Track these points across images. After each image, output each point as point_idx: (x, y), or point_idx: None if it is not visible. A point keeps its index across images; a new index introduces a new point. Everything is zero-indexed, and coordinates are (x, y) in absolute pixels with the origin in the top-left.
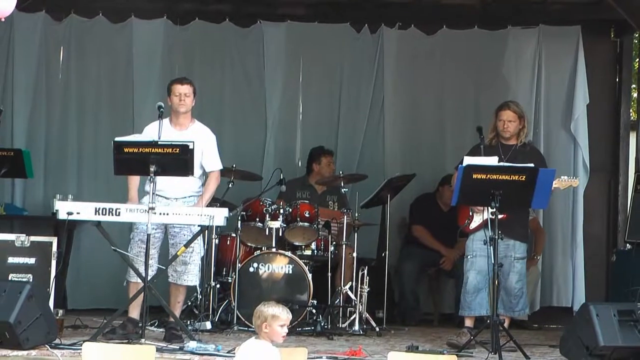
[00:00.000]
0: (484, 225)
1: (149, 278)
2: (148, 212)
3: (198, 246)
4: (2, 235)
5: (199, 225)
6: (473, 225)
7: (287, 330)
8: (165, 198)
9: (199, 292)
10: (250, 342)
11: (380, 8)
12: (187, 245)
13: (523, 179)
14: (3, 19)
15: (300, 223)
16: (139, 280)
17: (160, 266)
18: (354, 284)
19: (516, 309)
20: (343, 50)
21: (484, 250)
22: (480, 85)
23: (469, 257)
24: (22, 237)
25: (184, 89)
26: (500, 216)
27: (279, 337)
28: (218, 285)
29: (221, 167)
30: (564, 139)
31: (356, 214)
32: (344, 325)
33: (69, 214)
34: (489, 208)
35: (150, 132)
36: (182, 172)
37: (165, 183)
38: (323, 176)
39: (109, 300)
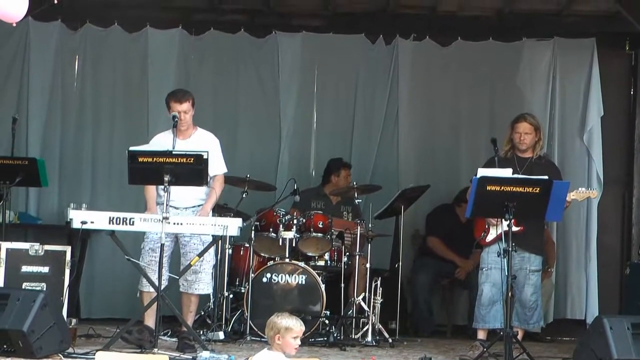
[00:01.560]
0: (499, 238)
1: (161, 287)
2: (162, 221)
3: (209, 255)
4: (17, 244)
5: (212, 235)
6: (489, 238)
7: (300, 342)
8: (175, 208)
9: (212, 300)
10: (263, 354)
11: (395, 19)
12: (200, 255)
13: (537, 191)
14: (14, 24)
15: (314, 234)
16: (151, 290)
17: (172, 275)
18: (367, 295)
19: (531, 321)
20: (358, 61)
21: (499, 263)
22: (495, 96)
23: (484, 269)
24: (36, 245)
25: (182, 108)
26: (516, 229)
27: (292, 349)
28: (231, 295)
29: (225, 171)
30: (579, 151)
31: (370, 225)
32: (356, 336)
33: (83, 223)
34: (505, 221)
35: (157, 142)
36: (196, 181)
37: (174, 193)
38: (339, 188)
39: (122, 309)
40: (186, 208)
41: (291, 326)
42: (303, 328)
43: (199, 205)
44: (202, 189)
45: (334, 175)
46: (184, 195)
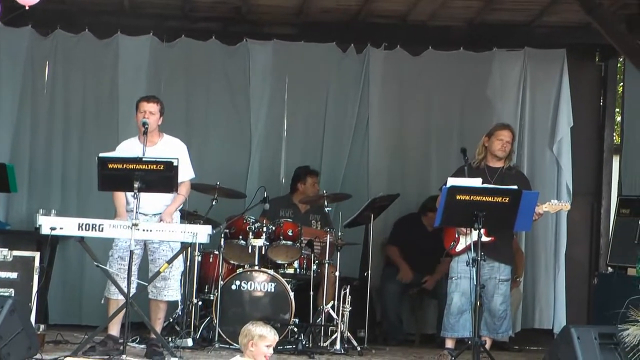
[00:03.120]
0: (469, 247)
1: (130, 294)
2: (132, 228)
3: (178, 261)
4: None
5: (180, 242)
6: (459, 247)
7: (272, 352)
8: (144, 214)
9: (180, 307)
10: None
11: (366, 28)
12: (170, 262)
13: (506, 200)
14: (27, 7)
15: (283, 241)
16: (119, 297)
17: (141, 282)
18: (336, 303)
19: (500, 330)
20: (329, 70)
21: (468, 272)
22: (465, 106)
23: (453, 278)
24: (5, 251)
25: (149, 107)
26: (487, 239)
27: (262, 358)
28: (200, 303)
29: (192, 176)
30: (548, 162)
31: (339, 233)
32: (325, 344)
33: (52, 229)
34: (475, 230)
35: (124, 149)
36: (166, 188)
37: (142, 200)
38: (307, 196)
39: (90, 316)
40: (154, 214)
41: (265, 334)
42: (277, 337)
43: None
44: (169, 195)
45: (300, 182)
46: (151, 201)
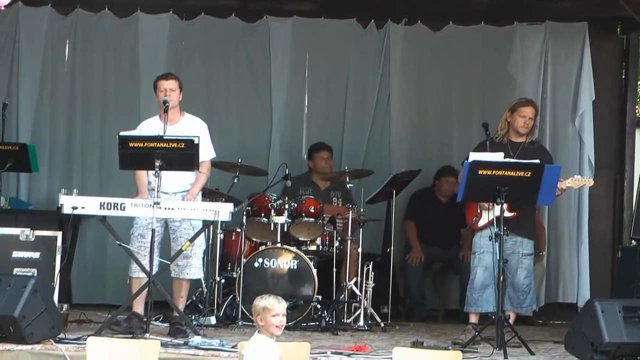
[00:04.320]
0: (492, 222)
1: (152, 273)
2: (153, 206)
3: (200, 239)
4: (7, 230)
5: (202, 220)
6: (482, 222)
7: (282, 321)
8: (165, 193)
9: (203, 285)
10: (253, 338)
11: (386, 4)
12: (192, 240)
13: (529, 175)
14: (3, 7)
15: (306, 218)
16: (141, 276)
17: (164, 261)
18: (359, 280)
19: (524, 305)
20: (349, 46)
21: (491, 247)
22: (486, 81)
23: (476, 253)
24: (27, 231)
25: (168, 84)
26: (510, 214)
27: (274, 329)
28: (223, 280)
29: (214, 156)
30: (570, 136)
31: (361, 210)
32: (348, 321)
33: (74, 208)
34: (497, 205)
35: (145, 128)
36: (187, 166)
37: (163, 178)
38: (320, 172)
39: (113, 295)
40: (175, 193)
41: (268, 305)
42: (284, 305)
43: (187, 190)
44: (190, 173)
45: (310, 160)
46: (173, 180)
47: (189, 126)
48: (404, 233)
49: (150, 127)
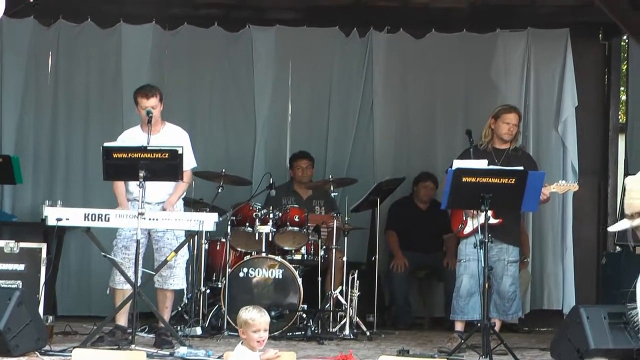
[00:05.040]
0: (477, 230)
1: (137, 284)
2: (137, 217)
3: (183, 250)
4: None
5: (185, 231)
6: (467, 230)
7: (263, 336)
8: (148, 203)
9: (186, 295)
10: (236, 349)
11: (369, 12)
12: (176, 251)
13: (513, 181)
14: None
15: (290, 227)
16: (125, 287)
17: (148, 271)
18: (344, 288)
19: (509, 312)
20: (332, 54)
21: (477, 254)
22: (469, 88)
23: (462, 261)
24: (12, 243)
25: (150, 102)
26: (495, 221)
27: (255, 343)
28: (208, 291)
29: (194, 165)
30: (553, 142)
31: (346, 218)
32: (334, 330)
33: (59, 220)
34: (484, 213)
35: (126, 139)
36: (171, 177)
37: (146, 188)
38: (299, 181)
39: (98, 306)
40: (158, 203)
41: (249, 320)
42: (265, 320)
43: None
44: (170, 183)
45: (291, 170)
46: (155, 190)
47: (171, 135)
48: (386, 243)
49: (132, 137)
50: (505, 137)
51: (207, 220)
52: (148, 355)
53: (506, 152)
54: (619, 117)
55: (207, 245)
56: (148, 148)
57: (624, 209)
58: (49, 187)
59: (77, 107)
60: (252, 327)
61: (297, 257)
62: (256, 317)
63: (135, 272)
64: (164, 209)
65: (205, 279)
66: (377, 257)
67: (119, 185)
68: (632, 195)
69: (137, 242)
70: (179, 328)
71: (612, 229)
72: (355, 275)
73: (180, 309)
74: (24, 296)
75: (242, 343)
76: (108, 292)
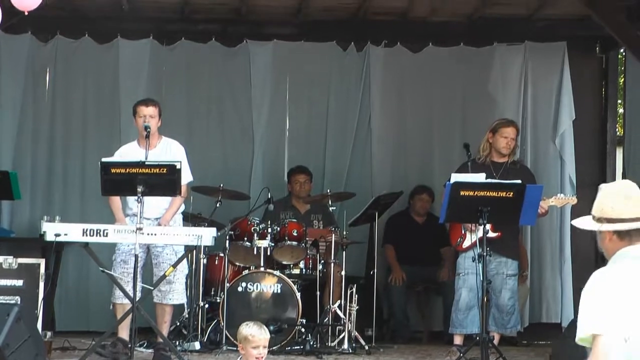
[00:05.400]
0: (476, 244)
1: (136, 299)
2: (136, 232)
3: (182, 264)
4: None
5: (185, 246)
6: (466, 244)
7: (262, 353)
8: (146, 218)
9: (186, 310)
10: None
11: (366, 26)
12: (175, 266)
13: (511, 195)
14: (27, 13)
15: (289, 242)
16: (125, 302)
17: (146, 286)
18: (342, 302)
19: (508, 325)
20: (330, 69)
21: (475, 268)
22: (467, 102)
23: (460, 274)
24: (10, 259)
25: (148, 111)
26: (494, 235)
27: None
28: (207, 305)
29: (190, 180)
30: (551, 156)
31: (344, 232)
32: (333, 344)
33: (57, 235)
34: (482, 226)
35: (123, 154)
36: (169, 192)
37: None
38: (297, 195)
39: (97, 321)
40: (156, 218)
41: (249, 336)
42: (265, 337)
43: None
44: (168, 198)
45: (288, 184)
46: (152, 205)
47: (167, 149)
48: (384, 257)
49: (128, 152)
50: (503, 151)
51: (206, 235)
52: None
53: (504, 166)
54: (617, 129)
55: (205, 260)
56: (146, 163)
57: (593, 210)
58: (47, 203)
59: (75, 123)
60: (251, 343)
61: (296, 271)
62: (256, 334)
63: (134, 287)
64: (159, 225)
65: (203, 294)
66: (375, 271)
67: (115, 200)
68: (604, 201)
69: (136, 257)
70: (177, 343)
71: (575, 223)
72: (354, 289)
73: (178, 323)
74: (23, 312)
75: (240, 358)
76: (111, 307)
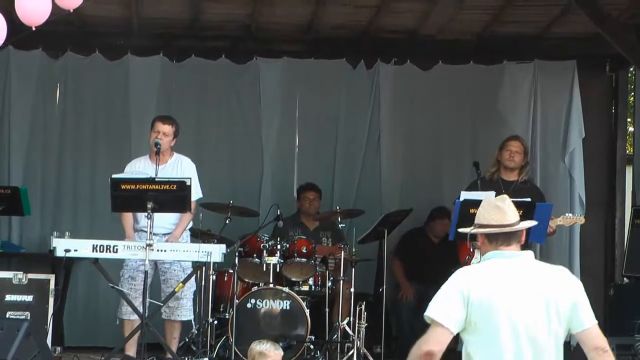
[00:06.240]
0: None
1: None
2: (146, 248)
3: (190, 281)
4: (0, 273)
5: (193, 262)
6: (474, 261)
7: None
8: (155, 234)
9: (194, 326)
10: None
11: (376, 44)
12: (184, 282)
13: (520, 213)
14: (34, 28)
15: (298, 259)
16: (133, 318)
17: (155, 302)
18: (351, 319)
19: None
20: (339, 86)
21: None
22: (476, 120)
23: None
24: (20, 274)
25: (164, 128)
26: None
27: None
28: (216, 322)
29: (200, 197)
30: (561, 174)
31: (353, 249)
32: None
33: (67, 251)
34: None
35: (133, 169)
36: (179, 208)
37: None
38: (306, 212)
39: (106, 337)
40: (164, 234)
41: (264, 351)
42: (279, 353)
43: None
44: (177, 214)
45: (297, 202)
46: (161, 221)
47: (178, 166)
48: (392, 272)
49: (138, 167)
50: (508, 164)
51: (215, 252)
52: None
53: (514, 184)
54: (626, 148)
55: (214, 277)
56: (156, 180)
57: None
58: (57, 218)
59: (85, 139)
60: (267, 358)
61: (305, 288)
62: (271, 349)
63: (144, 303)
64: (168, 242)
65: (212, 310)
66: (384, 288)
67: (127, 216)
68: (480, 210)
69: (145, 273)
70: (186, 359)
71: (460, 230)
72: (363, 306)
73: (187, 339)
74: (33, 327)
75: None
76: (118, 322)
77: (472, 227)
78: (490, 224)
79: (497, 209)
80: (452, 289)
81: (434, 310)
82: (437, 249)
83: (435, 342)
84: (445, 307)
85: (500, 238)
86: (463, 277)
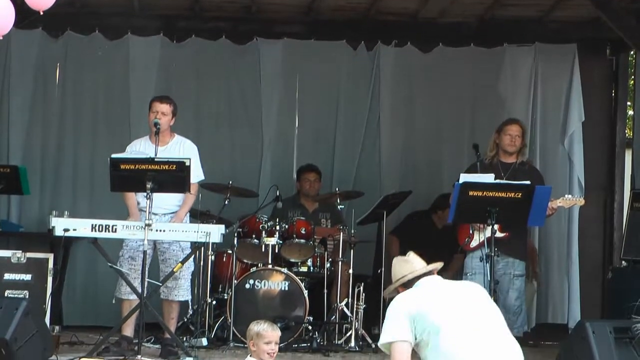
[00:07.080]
0: (483, 244)
1: (144, 295)
2: (145, 228)
3: (188, 261)
4: None
5: (192, 243)
6: (473, 243)
7: (274, 348)
8: (155, 214)
9: (194, 307)
10: None
11: (376, 26)
12: (183, 262)
13: (519, 196)
14: (41, 12)
15: (297, 240)
16: (131, 298)
17: (154, 282)
18: (350, 301)
19: (515, 325)
20: (339, 68)
21: (482, 268)
22: (476, 102)
23: (467, 274)
24: (19, 253)
25: (162, 108)
26: (501, 235)
27: (265, 355)
28: (214, 302)
29: (202, 178)
30: (560, 157)
31: (352, 231)
32: (340, 342)
33: (66, 230)
34: (488, 226)
35: (134, 150)
36: (178, 188)
37: (153, 200)
38: (305, 194)
39: (105, 316)
40: (165, 214)
41: (261, 331)
42: (278, 333)
43: (175, 212)
44: (179, 194)
45: (298, 182)
46: (161, 201)
47: (179, 147)
48: (387, 249)
49: (140, 147)
50: (508, 149)
51: (214, 232)
52: None
53: (513, 166)
54: (626, 132)
55: (213, 257)
56: (155, 160)
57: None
58: (56, 198)
59: (85, 119)
60: (264, 339)
61: (303, 269)
62: (269, 329)
63: (142, 283)
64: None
65: (211, 291)
66: (383, 269)
67: (131, 196)
68: (393, 269)
69: (144, 253)
70: (184, 339)
71: (385, 293)
72: (361, 287)
73: (186, 320)
74: (31, 306)
75: (250, 355)
76: (114, 301)
77: (392, 287)
78: (404, 275)
79: (406, 262)
80: (394, 313)
81: (387, 336)
82: (439, 233)
83: (399, 357)
84: (395, 327)
85: (412, 281)
86: (400, 301)
